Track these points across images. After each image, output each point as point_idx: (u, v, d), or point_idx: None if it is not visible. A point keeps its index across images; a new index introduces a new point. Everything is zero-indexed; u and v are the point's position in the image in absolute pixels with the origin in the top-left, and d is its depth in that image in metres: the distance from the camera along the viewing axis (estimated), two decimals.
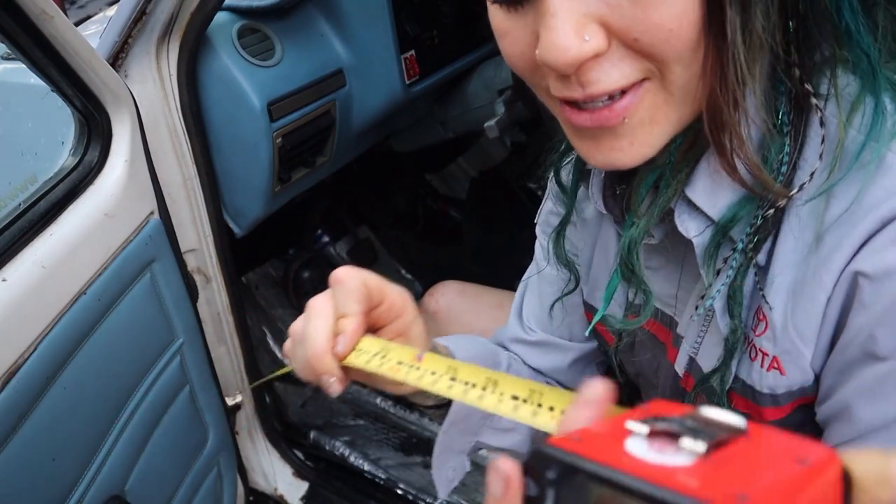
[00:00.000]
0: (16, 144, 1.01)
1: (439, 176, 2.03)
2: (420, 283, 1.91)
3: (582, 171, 0.62)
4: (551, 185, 0.75)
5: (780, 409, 0.51)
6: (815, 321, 0.45)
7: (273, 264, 1.79)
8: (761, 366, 0.49)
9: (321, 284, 1.87)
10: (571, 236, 0.71)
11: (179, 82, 1.00)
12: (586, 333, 0.75)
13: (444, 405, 0.63)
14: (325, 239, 1.87)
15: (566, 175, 0.66)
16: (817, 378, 0.48)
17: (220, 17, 1.08)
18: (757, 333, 0.49)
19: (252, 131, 1.06)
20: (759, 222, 0.46)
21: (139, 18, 0.93)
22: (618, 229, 0.62)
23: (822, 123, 0.44)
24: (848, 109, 0.43)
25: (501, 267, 1.49)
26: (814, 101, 0.44)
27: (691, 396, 0.56)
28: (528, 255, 0.83)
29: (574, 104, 0.43)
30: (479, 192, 1.82)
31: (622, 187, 0.54)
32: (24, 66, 0.79)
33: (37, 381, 0.72)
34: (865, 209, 0.42)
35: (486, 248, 1.74)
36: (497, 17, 0.44)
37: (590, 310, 0.72)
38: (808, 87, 0.44)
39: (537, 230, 0.80)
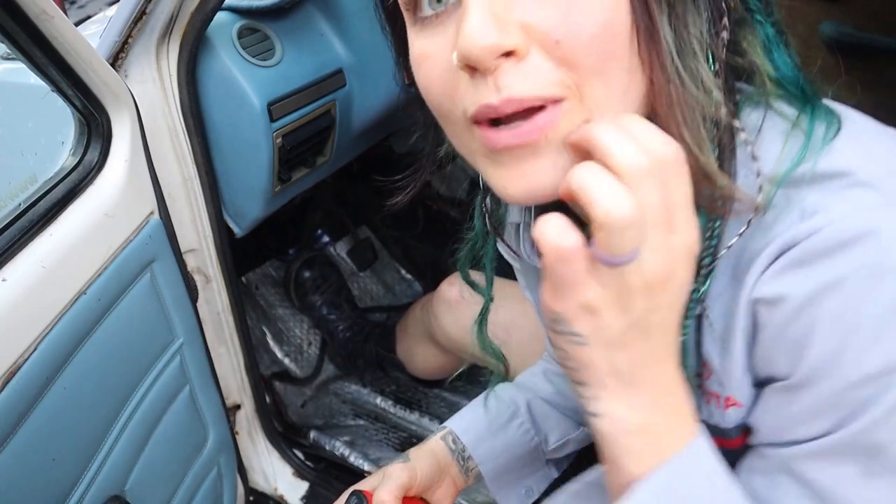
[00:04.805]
0: (16, 144, 1.01)
1: (439, 176, 2.03)
2: (420, 283, 1.90)
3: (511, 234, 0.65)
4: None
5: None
6: (743, 355, 0.46)
7: (273, 264, 1.79)
8: (718, 406, 0.49)
9: (322, 284, 1.87)
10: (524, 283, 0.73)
11: (179, 82, 1.00)
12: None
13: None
14: (326, 239, 1.87)
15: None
16: None
17: (220, 17, 1.08)
18: (704, 377, 0.50)
19: (252, 131, 1.06)
20: (702, 269, 0.46)
21: (139, 18, 0.93)
22: None
23: (753, 157, 0.43)
24: (782, 139, 0.43)
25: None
26: (743, 135, 0.43)
27: None
28: None
29: (493, 124, 0.42)
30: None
31: None
32: (24, 66, 0.79)
33: (37, 381, 0.72)
34: (771, 238, 0.42)
35: None
36: (417, 43, 0.44)
37: None
38: (738, 122, 0.43)
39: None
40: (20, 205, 0.77)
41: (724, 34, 0.43)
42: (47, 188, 0.80)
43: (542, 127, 0.40)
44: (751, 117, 0.45)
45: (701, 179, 0.41)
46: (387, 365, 1.61)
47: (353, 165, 1.54)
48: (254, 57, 1.07)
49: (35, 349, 0.72)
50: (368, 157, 1.56)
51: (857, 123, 0.44)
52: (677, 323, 0.41)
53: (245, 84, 1.04)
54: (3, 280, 0.70)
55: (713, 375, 0.49)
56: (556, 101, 0.40)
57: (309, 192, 1.42)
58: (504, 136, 0.41)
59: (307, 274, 1.70)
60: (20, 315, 0.71)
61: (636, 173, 0.36)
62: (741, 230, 0.43)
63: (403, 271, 1.94)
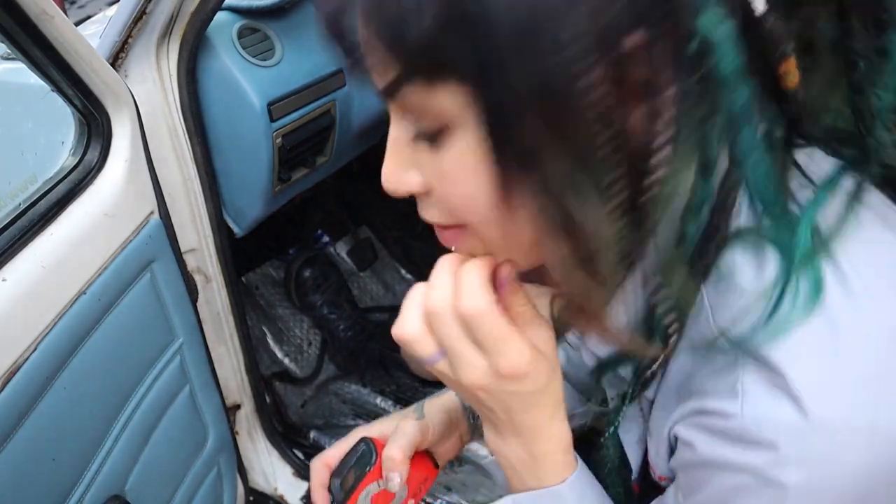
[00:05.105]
0: (16, 144, 1.01)
1: None
2: (420, 282, 1.90)
3: None
4: None
5: None
6: (667, 459, 0.51)
7: (273, 264, 1.79)
8: (653, 475, 0.54)
9: (322, 284, 1.87)
10: None
11: (179, 82, 1.00)
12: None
13: None
14: (326, 239, 1.87)
15: None
16: None
17: (220, 17, 1.08)
18: (647, 450, 0.54)
19: (252, 131, 1.06)
20: (648, 372, 0.50)
21: (139, 18, 0.93)
22: None
23: (710, 307, 0.44)
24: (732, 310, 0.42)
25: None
26: (701, 290, 0.44)
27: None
28: None
29: None
30: None
31: None
32: (24, 66, 0.79)
33: (37, 381, 0.72)
34: (709, 389, 0.44)
35: None
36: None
37: None
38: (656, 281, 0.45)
39: None
40: (20, 205, 0.77)
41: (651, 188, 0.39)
42: (47, 188, 0.80)
43: (449, 240, 0.47)
44: (741, 254, 0.43)
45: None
46: (389, 364, 1.61)
47: (353, 165, 1.54)
48: (254, 57, 1.07)
49: (35, 349, 0.72)
50: (368, 157, 1.56)
51: (844, 297, 0.39)
52: (538, 408, 0.48)
53: (245, 84, 1.04)
54: (3, 280, 0.70)
55: (650, 454, 0.53)
56: (459, 226, 0.46)
57: (309, 192, 1.42)
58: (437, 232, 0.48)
59: (307, 274, 1.70)
60: (20, 315, 0.71)
61: (432, 311, 0.46)
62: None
63: (403, 271, 1.94)
